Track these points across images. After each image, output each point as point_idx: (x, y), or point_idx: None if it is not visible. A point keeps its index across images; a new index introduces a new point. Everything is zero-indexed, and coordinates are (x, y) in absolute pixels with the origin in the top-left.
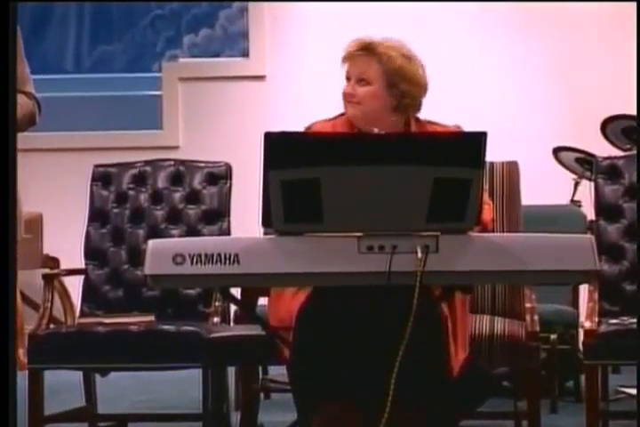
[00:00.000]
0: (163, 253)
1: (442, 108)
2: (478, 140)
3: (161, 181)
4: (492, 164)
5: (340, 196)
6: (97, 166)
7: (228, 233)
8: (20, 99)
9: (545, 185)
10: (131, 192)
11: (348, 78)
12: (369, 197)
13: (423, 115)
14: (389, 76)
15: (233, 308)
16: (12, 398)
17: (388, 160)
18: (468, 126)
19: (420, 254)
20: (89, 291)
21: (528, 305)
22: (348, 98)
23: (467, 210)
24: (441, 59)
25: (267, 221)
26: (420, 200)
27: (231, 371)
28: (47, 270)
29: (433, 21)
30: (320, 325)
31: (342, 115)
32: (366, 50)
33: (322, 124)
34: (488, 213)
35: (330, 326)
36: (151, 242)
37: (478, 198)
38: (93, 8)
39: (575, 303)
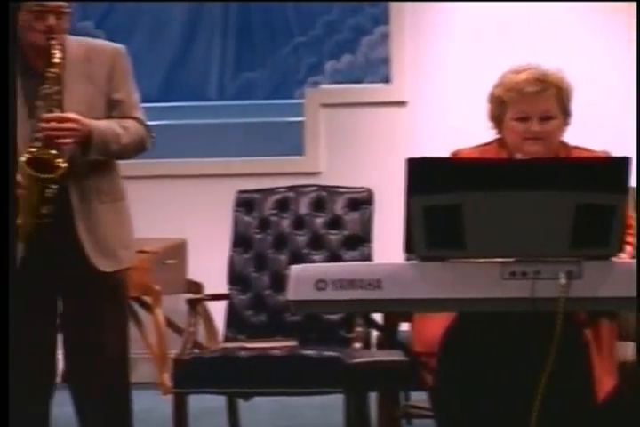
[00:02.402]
0: (305, 278)
1: (587, 133)
2: (622, 165)
3: (303, 207)
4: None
5: (482, 221)
6: (240, 192)
7: (370, 258)
8: (129, 123)
9: None
10: (273, 218)
11: (525, 118)
12: (511, 222)
13: (569, 140)
14: (564, 104)
15: (375, 333)
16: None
17: (530, 186)
18: (614, 150)
19: (563, 280)
20: (232, 316)
21: None
22: (535, 136)
23: (610, 236)
24: (587, 80)
25: (409, 247)
26: (563, 226)
27: (373, 396)
28: (191, 295)
29: (569, 51)
30: (464, 350)
31: (489, 144)
32: (543, 86)
33: (468, 151)
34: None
35: (474, 351)
36: (294, 267)
37: (622, 224)
38: (237, 36)
39: None
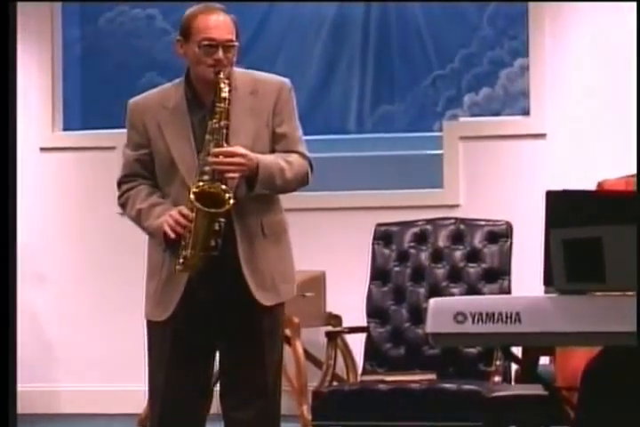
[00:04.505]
0: (444, 311)
1: None
2: None
3: (441, 240)
4: None
5: (622, 255)
6: (379, 225)
7: (509, 291)
8: (292, 158)
9: None
10: (412, 251)
11: None
12: None
13: None
14: None
15: (514, 367)
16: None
17: None
18: None
19: None
20: (371, 349)
21: None
22: None
23: None
24: None
25: (548, 280)
26: None
27: None
28: (330, 328)
29: None
30: (607, 385)
31: (632, 175)
32: None
33: (614, 182)
34: None
35: (617, 386)
36: (432, 300)
37: None
38: (375, 69)
39: None
